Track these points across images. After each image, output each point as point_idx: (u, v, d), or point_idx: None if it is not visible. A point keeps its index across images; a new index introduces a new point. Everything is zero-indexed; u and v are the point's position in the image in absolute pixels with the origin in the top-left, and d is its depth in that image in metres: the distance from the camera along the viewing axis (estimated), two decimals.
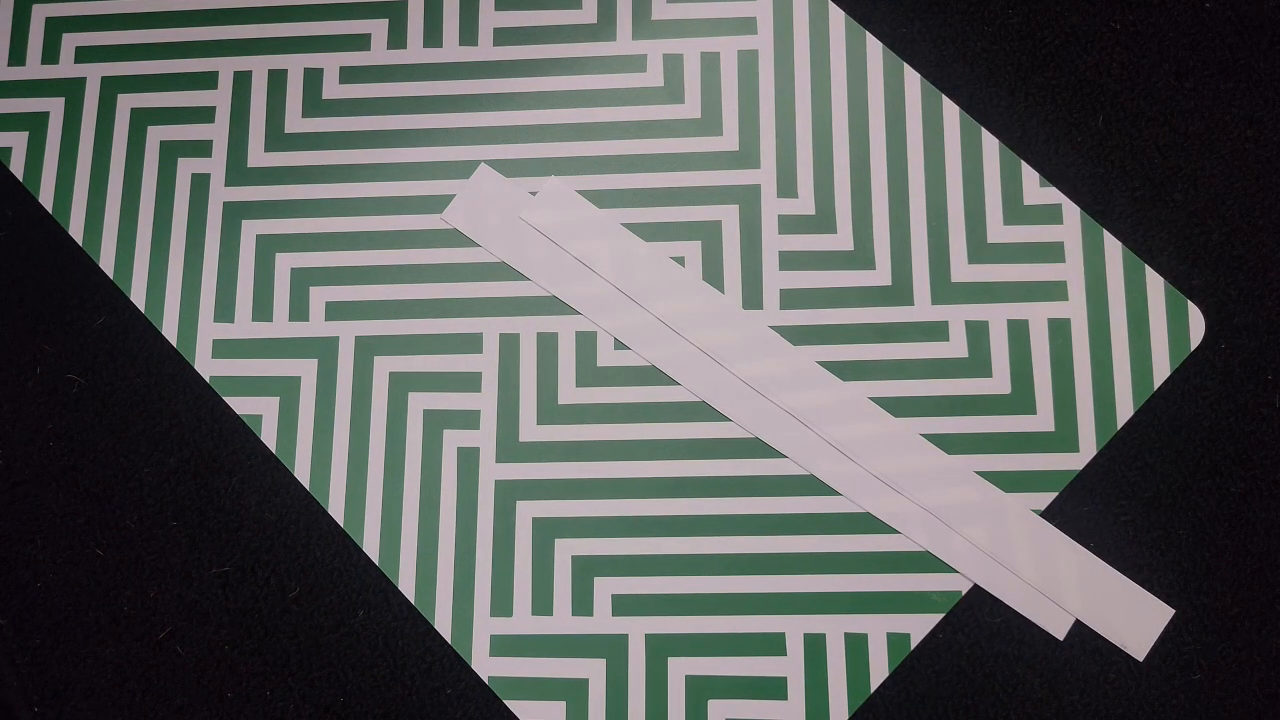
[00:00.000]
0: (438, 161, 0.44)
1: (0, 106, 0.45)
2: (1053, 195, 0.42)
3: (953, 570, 0.38)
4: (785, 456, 0.40)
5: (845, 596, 0.38)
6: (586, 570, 0.39)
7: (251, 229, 0.44)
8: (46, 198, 0.44)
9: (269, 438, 0.41)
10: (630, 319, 0.41)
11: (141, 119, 0.45)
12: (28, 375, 0.42)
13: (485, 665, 0.39)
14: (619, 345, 0.41)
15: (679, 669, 0.38)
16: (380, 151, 0.44)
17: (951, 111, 0.43)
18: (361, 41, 0.45)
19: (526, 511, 0.40)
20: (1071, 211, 0.42)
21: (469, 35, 0.45)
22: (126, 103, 0.45)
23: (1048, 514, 0.39)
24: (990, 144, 0.42)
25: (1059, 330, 0.40)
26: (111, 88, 0.45)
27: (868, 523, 0.39)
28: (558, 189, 0.42)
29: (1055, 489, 0.39)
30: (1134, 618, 0.37)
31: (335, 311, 0.42)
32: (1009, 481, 0.39)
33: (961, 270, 0.41)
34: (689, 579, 0.39)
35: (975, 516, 0.39)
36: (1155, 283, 0.41)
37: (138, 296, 0.43)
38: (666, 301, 0.41)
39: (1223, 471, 0.39)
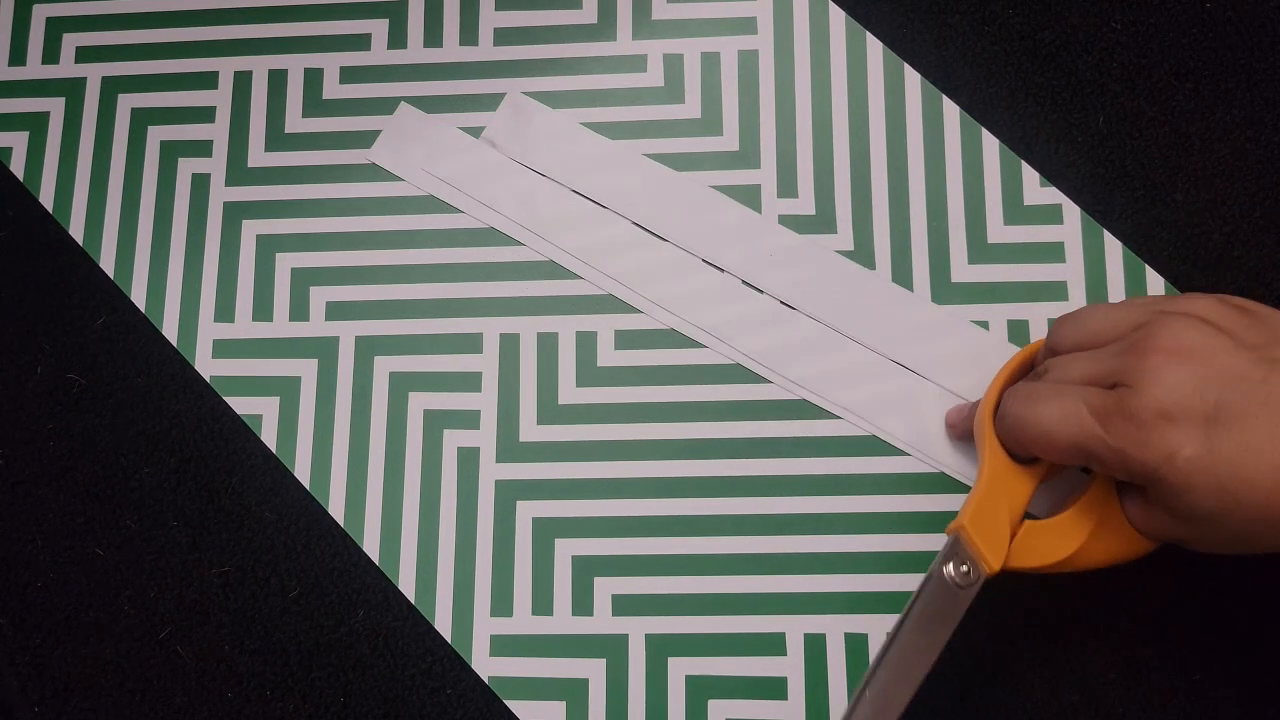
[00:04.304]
0: None
1: (0, 106, 0.45)
2: (1053, 195, 0.42)
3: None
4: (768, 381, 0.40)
5: (845, 596, 0.38)
6: (586, 570, 0.39)
7: (251, 229, 0.44)
8: (46, 198, 0.44)
9: (269, 438, 0.41)
10: (567, 243, 0.42)
11: (142, 119, 0.45)
12: (28, 375, 0.42)
13: (485, 665, 0.39)
14: (619, 345, 0.41)
15: (679, 669, 0.38)
16: None
17: (951, 111, 0.43)
18: (361, 41, 0.45)
19: (526, 511, 0.40)
20: (1071, 211, 0.42)
21: (469, 35, 0.45)
22: (127, 103, 0.45)
23: None
24: (990, 144, 0.42)
25: None
26: (112, 88, 0.45)
27: (868, 522, 0.39)
28: (459, 138, 0.43)
29: None
30: None
31: (335, 311, 0.42)
32: None
33: (962, 270, 0.41)
34: (689, 579, 0.39)
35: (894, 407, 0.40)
36: (1155, 283, 0.41)
37: (138, 296, 0.43)
38: (574, 235, 0.42)
39: None
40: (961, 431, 0.38)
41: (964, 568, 0.33)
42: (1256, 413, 0.29)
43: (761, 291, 0.41)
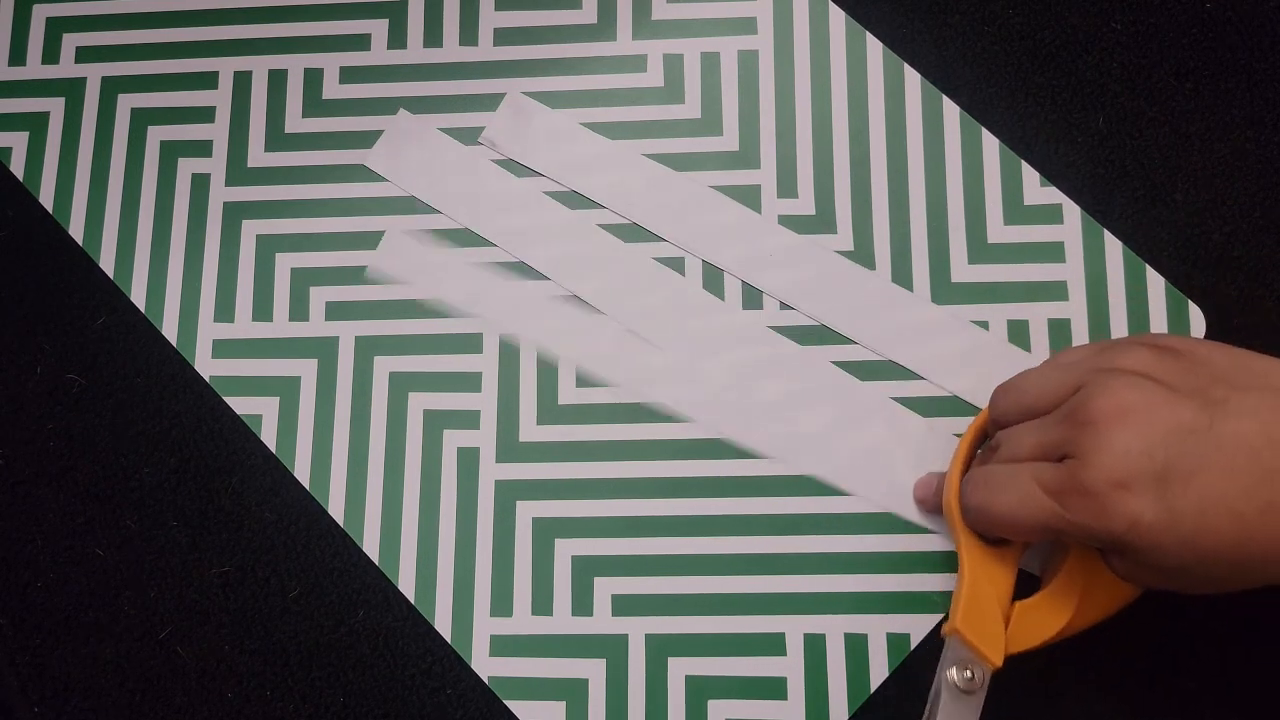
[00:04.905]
0: None
1: (0, 106, 0.45)
2: (1053, 195, 0.42)
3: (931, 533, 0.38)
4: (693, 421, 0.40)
5: (845, 596, 0.38)
6: (586, 570, 0.39)
7: (251, 229, 0.44)
8: (46, 198, 0.44)
9: (269, 438, 0.41)
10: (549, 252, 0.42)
11: (141, 119, 0.45)
12: (28, 375, 0.42)
13: (485, 665, 0.39)
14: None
15: (679, 669, 0.38)
16: None
17: (951, 111, 0.43)
18: (361, 41, 0.45)
19: (526, 511, 0.40)
20: (1071, 211, 0.42)
21: (469, 35, 0.45)
22: (126, 103, 0.45)
23: None
24: (990, 144, 0.42)
25: (1059, 330, 0.40)
26: (112, 88, 0.45)
27: (869, 523, 0.39)
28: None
29: None
30: None
31: (335, 311, 0.42)
32: None
33: (962, 270, 0.41)
34: (689, 579, 0.39)
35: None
36: (1155, 283, 0.41)
37: (138, 296, 0.43)
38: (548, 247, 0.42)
39: None
40: (932, 506, 0.38)
41: (967, 672, 0.33)
42: (1208, 464, 0.29)
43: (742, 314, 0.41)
